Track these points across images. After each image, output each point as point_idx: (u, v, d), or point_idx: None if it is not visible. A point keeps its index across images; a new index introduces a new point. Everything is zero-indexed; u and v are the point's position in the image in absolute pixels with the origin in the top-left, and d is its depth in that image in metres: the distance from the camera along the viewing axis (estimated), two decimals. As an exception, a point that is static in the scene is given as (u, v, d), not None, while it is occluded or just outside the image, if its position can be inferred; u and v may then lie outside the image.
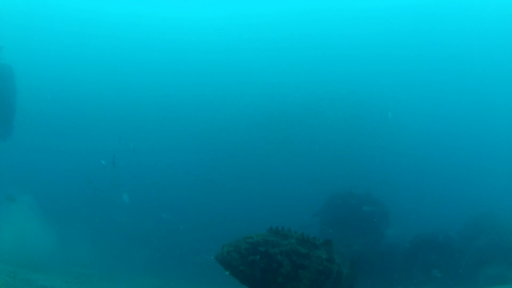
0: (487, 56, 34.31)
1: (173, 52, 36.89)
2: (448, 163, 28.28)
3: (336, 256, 6.04)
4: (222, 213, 21.12)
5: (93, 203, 20.88)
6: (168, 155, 27.07)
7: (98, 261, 14.71)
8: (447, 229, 15.49)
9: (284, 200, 22.44)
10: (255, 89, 30.78)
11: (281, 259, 5.98)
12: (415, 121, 31.26)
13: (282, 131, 27.74)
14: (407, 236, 15.17)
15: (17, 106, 15.59)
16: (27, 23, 35.00)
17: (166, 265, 16.43)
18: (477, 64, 34.60)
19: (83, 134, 27.90)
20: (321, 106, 29.29)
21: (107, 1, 36.50)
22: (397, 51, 35.60)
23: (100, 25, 36.78)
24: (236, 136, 27.37)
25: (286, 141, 27.37)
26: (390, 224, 14.52)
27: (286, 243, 6.20)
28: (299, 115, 28.67)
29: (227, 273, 6.36)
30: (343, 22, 36.08)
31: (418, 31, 34.97)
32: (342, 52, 35.72)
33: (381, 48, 35.75)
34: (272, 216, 19.52)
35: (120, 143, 22.83)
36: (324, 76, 32.82)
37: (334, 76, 32.87)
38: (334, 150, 26.78)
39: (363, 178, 21.68)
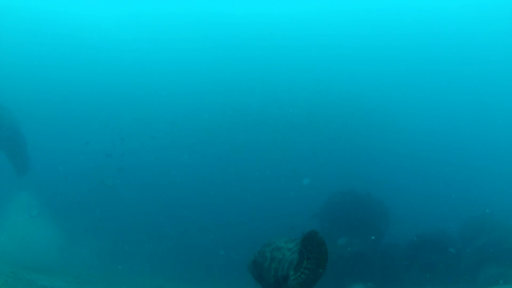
0: (487, 57, 34.33)
1: (171, 51, 36.92)
2: (448, 163, 28.29)
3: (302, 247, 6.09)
4: (222, 213, 21.16)
5: (95, 203, 20.94)
6: (168, 155, 27.11)
7: (98, 261, 14.71)
8: (447, 229, 15.52)
9: (283, 201, 22.46)
10: (254, 89, 30.77)
11: (267, 255, 6.56)
12: (415, 121, 31.28)
13: (281, 131, 27.76)
14: (407, 237, 15.20)
15: (27, 142, 15.74)
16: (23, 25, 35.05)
17: (166, 264, 16.45)
18: (477, 65, 34.62)
19: (84, 133, 27.83)
20: (320, 106, 29.32)
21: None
22: (397, 51, 35.62)
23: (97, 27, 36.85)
24: (235, 135, 27.40)
25: (284, 141, 27.40)
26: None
27: (275, 242, 6.74)
28: (299, 115, 28.71)
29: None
30: (344, 23, 36.10)
31: (418, 31, 34.99)
32: (343, 52, 35.76)
33: (381, 49, 35.78)
34: (271, 216, 19.58)
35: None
36: (323, 75, 32.84)
37: (333, 76, 32.88)
38: (333, 150, 26.81)
39: (363, 178, 21.70)
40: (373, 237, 14.58)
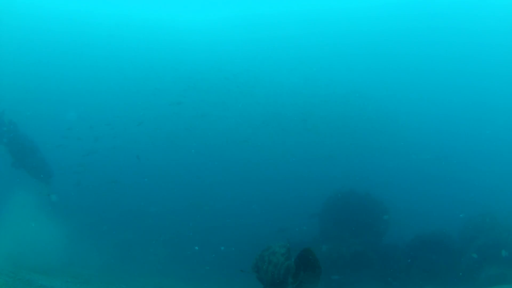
0: (487, 56, 34.33)
1: (172, 53, 36.89)
2: (448, 163, 28.28)
3: (288, 251, 7.43)
4: (221, 214, 21.15)
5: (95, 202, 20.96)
6: (166, 156, 27.11)
7: (98, 261, 14.71)
8: (447, 229, 15.51)
9: (281, 202, 22.44)
10: (253, 89, 30.74)
11: (265, 259, 7.61)
12: (415, 121, 31.27)
13: (280, 131, 27.75)
14: (407, 237, 15.20)
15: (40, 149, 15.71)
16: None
17: (166, 265, 16.46)
18: (477, 64, 34.61)
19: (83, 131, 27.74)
20: (320, 106, 29.29)
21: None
22: (397, 50, 35.62)
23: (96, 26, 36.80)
24: (235, 136, 27.38)
25: (284, 141, 27.40)
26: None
27: (272, 246, 7.82)
28: (299, 115, 28.68)
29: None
30: (343, 22, 36.10)
31: (418, 30, 34.99)
32: (342, 52, 35.76)
33: (381, 48, 35.79)
34: (271, 217, 19.57)
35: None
36: (323, 76, 32.82)
37: (333, 76, 32.86)
38: (333, 150, 26.80)
39: (363, 178, 21.68)
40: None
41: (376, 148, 27.89)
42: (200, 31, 37.56)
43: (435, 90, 34.44)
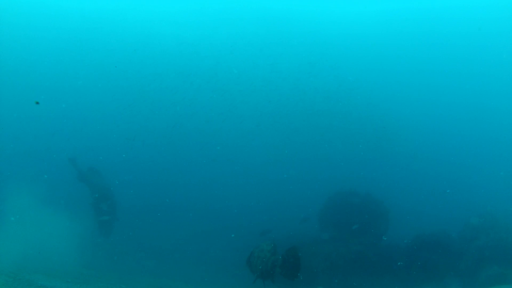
0: (487, 57, 34.33)
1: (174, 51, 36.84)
2: (448, 164, 28.30)
3: (274, 248, 9.44)
4: (219, 214, 21.17)
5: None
6: (166, 157, 27.13)
7: (98, 261, 14.71)
8: (447, 229, 15.51)
9: (278, 202, 22.44)
10: (254, 89, 30.73)
11: (255, 255, 9.39)
12: (415, 121, 31.29)
13: (280, 132, 27.75)
14: (407, 237, 15.20)
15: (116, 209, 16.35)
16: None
17: (166, 265, 16.47)
18: (476, 65, 34.63)
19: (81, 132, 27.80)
20: (321, 107, 29.30)
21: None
22: (397, 51, 35.61)
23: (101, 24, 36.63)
24: (235, 136, 27.39)
25: (285, 142, 27.40)
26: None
27: (261, 245, 9.68)
28: (299, 116, 28.69)
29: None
30: (342, 23, 36.06)
31: (418, 32, 34.97)
32: (342, 52, 35.74)
33: (381, 48, 35.79)
34: (267, 218, 19.60)
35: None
36: (323, 76, 32.80)
37: (333, 76, 32.86)
38: (334, 150, 26.82)
39: (363, 179, 21.70)
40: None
41: (376, 148, 27.91)
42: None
43: (435, 91, 34.47)
